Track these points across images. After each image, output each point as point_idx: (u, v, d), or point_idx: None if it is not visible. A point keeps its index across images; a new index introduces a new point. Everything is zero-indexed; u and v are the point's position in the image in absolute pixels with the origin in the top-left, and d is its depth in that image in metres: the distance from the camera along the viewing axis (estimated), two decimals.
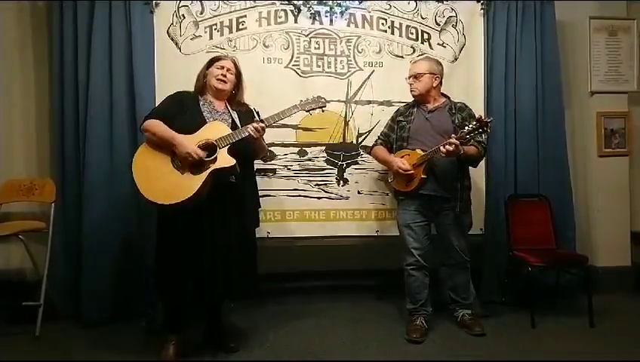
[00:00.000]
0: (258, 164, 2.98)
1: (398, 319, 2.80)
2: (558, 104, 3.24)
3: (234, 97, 2.47)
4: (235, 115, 2.39)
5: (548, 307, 2.95)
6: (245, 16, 3.02)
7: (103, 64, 2.83)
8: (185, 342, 2.38)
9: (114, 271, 2.82)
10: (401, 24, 3.14)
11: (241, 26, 3.02)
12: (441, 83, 2.73)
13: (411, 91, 2.73)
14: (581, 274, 2.91)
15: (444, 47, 3.17)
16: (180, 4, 2.95)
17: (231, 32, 3.01)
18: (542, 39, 3.20)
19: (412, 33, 3.15)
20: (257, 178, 2.94)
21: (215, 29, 3.00)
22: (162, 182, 2.20)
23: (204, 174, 2.19)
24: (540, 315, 2.77)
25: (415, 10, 3.14)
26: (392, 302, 3.05)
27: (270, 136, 2.97)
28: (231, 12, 3.01)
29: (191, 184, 2.18)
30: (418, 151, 2.60)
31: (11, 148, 3.04)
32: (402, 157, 2.67)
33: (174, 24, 2.95)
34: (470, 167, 2.71)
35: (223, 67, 2.40)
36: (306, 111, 2.51)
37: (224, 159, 2.22)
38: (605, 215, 3.37)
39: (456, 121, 2.63)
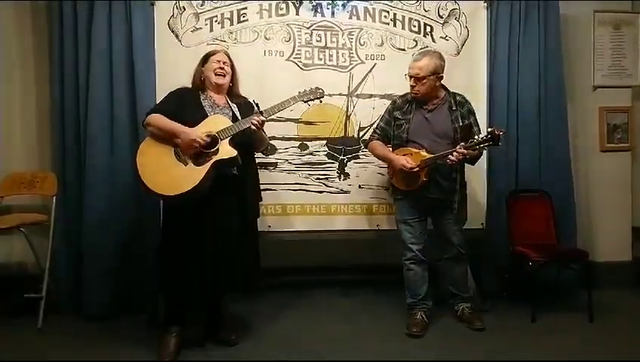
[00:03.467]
0: (259, 158, 2.98)
1: (399, 313, 2.80)
2: (560, 98, 3.22)
3: (231, 89, 2.50)
4: (235, 108, 2.42)
5: (548, 302, 2.95)
6: (246, 8, 2.99)
7: (104, 57, 2.81)
8: (186, 336, 2.39)
9: (115, 265, 2.82)
10: (403, 17, 3.11)
11: (242, 18, 3.00)
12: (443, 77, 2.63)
13: (413, 94, 2.60)
14: (582, 269, 2.91)
15: (447, 40, 3.14)
16: None
17: (232, 24, 2.99)
18: (545, 33, 3.17)
19: (414, 26, 3.12)
20: (258, 172, 2.95)
21: (216, 21, 2.97)
22: (166, 175, 2.23)
23: (207, 165, 2.22)
24: (540, 310, 2.77)
25: (418, 3, 3.11)
26: (392, 296, 3.04)
27: (271, 129, 2.97)
28: (232, 4, 2.98)
29: (194, 175, 2.21)
30: (422, 153, 2.52)
31: (12, 142, 3.03)
32: (404, 155, 2.57)
33: (175, 16, 2.93)
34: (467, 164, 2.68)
35: (219, 61, 2.41)
36: (304, 102, 2.54)
37: (226, 150, 2.25)
38: (607, 210, 3.37)
39: (457, 119, 2.57)
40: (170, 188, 2.20)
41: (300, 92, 2.52)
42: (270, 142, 2.99)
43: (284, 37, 3.02)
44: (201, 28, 2.95)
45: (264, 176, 2.99)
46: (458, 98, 2.65)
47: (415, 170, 2.51)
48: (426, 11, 3.12)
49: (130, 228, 2.84)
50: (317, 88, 2.54)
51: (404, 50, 3.11)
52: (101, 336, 2.56)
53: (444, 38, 3.14)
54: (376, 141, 2.75)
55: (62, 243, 2.83)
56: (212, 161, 2.23)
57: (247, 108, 2.45)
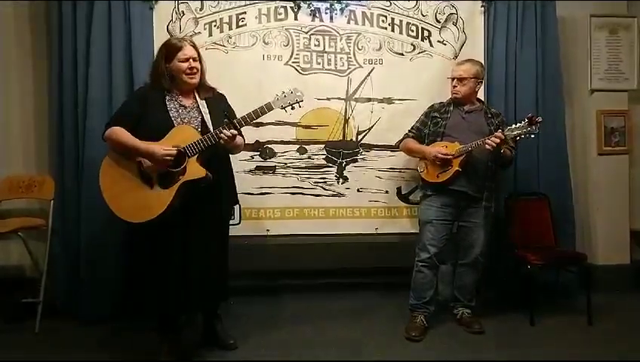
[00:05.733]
0: (257, 162, 3.00)
1: (398, 317, 2.79)
2: (558, 102, 3.23)
3: (200, 81, 2.27)
4: (204, 107, 2.22)
5: (547, 305, 2.95)
6: (245, 12, 3.00)
7: (102, 61, 2.82)
8: (184, 340, 2.38)
9: (113, 269, 2.81)
10: (401, 21, 3.12)
11: (240, 23, 3.01)
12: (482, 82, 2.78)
13: (454, 94, 2.71)
14: (580, 272, 2.91)
15: (445, 44, 3.15)
16: (180, 1, 2.94)
17: (230, 28, 3.00)
18: (542, 37, 3.19)
19: (412, 30, 3.14)
20: (257, 176, 2.99)
21: (215, 26, 2.99)
22: (131, 199, 2.11)
23: (174, 188, 2.08)
24: (539, 313, 2.77)
25: (415, 8, 3.13)
26: (391, 300, 3.04)
27: (270, 133, 3.00)
28: (230, 9, 2.99)
29: (161, 200, 2.07)
30: (457, 144, 2.58)
31: (10, 146, 3.03)
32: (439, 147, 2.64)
33: (174, 21, 2.94)
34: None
35: (187, 59, 2.18)
36: (282, 108, 2.25)
37: (194, 170, 2.09)
38: (605, 213, 3.37)
39: (493, 123, 2.66)
40: (135, 215, 2.08)
41: (277, 95, 2.24)
42: (268, 145, 3.01)
43: (283, 41, 3.04)
44: (200, 32, 2.96)
45: (262, 180, 3.00)
46: (493, 110, 2.79)
47: (449, 156, 2.55)
48: (423, 16, 3.14)
49: (128, 231, 2.83)
50: (295, 90, 2.26)
51: (402, 54, 3.12)
52: (99, 339, 2.55)
53: (442, 43, 3.15)
54: (410, 139, 2.81)
55: (60, 245, 2.82)
56: (180, 183, 2.08)
57: (218, 102, 2.29)
